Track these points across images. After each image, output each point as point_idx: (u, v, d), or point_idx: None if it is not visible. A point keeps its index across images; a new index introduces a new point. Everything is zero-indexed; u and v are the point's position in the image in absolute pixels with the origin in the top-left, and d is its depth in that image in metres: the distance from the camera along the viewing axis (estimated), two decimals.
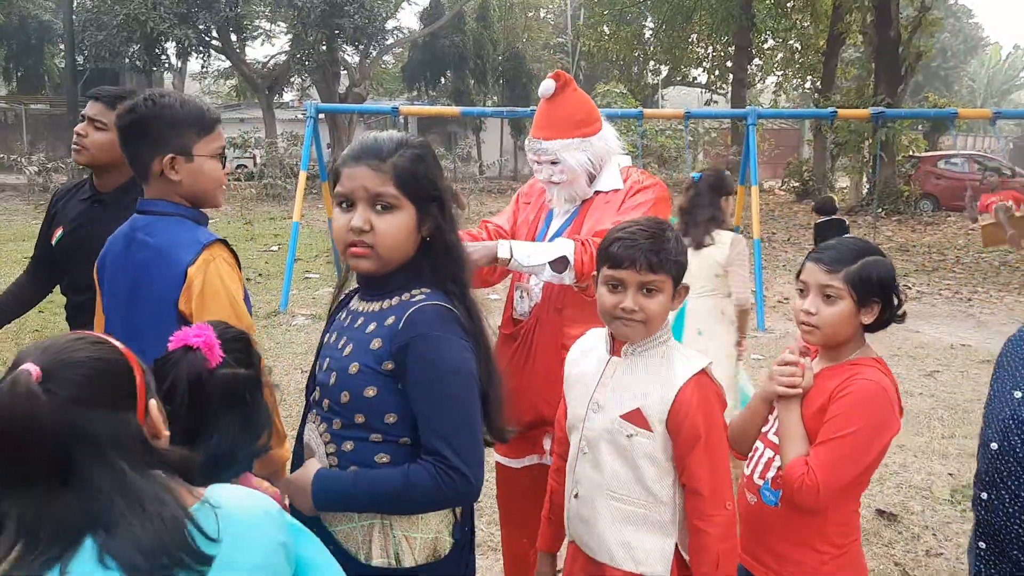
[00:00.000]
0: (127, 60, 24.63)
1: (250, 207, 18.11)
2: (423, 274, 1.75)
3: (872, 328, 1.95)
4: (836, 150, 23.95)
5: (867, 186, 20.65)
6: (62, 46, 28.88)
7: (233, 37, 29.20)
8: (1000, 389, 1.93)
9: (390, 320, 1.68)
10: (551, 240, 2.61)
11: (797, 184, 24.16)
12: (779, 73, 31.20)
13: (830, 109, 8.23)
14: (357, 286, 1.87)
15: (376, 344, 1.67)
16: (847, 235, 2.31)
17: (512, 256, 2.43)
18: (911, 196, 18.60)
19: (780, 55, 30.38)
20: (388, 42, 30.75)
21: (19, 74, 37.82)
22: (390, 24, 30.06)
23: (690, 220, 4.14)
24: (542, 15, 39.42)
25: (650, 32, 32.05)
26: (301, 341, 6.98)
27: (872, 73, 19.93)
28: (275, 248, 12.87)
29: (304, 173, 8.67)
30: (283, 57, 29.10)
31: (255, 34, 36.01)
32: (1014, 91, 50.11)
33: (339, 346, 1.75)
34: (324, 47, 26.33)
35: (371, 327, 1.71)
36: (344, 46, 27.59)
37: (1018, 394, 1.85)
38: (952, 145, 22.22)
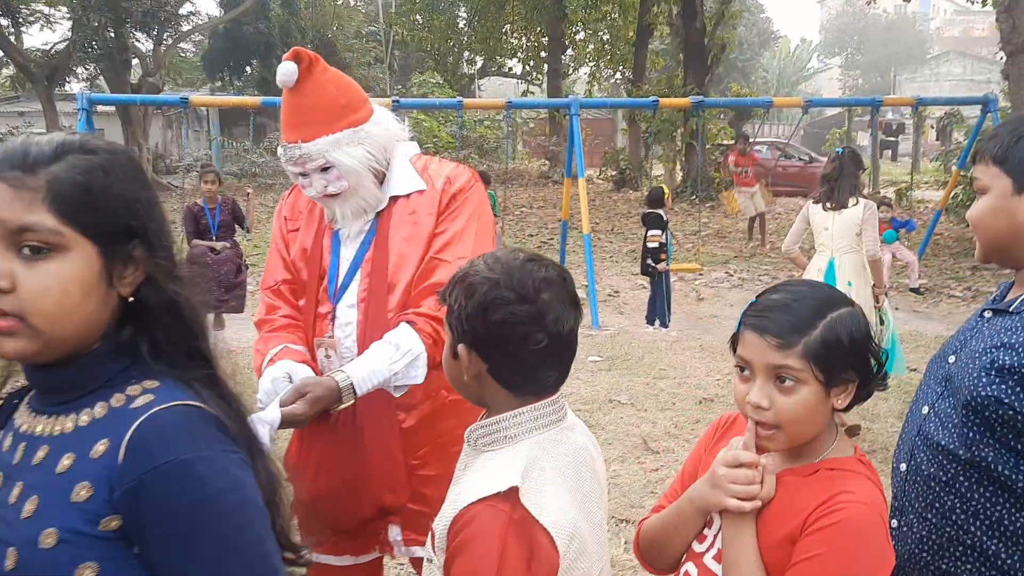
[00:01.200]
0: None
1: None
2: (139, 356, 1.07)
3: (847, 408, 1.37)
4: (651, 139, 24.58)
5: (680, 174, 21.22)
6: None
7: (4, 22, 26.18)
8: (913, 407, 1.69)
9: (100, 446, 1.01)
10: (351, 271, 1.99)
11: (615, 173, 24.52)
12: (591, 64, 31.78)
13: (652, 98, 8.00)
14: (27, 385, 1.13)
15: (83, 492, 0.99)
16: (792, 281, 1.53)
17: (355, 390, 1.83)
18: (722, 182, 19.20)
19: (591, 46, 30.91)
20: (184, 28, 28.60)
21: None
22: (185, 9, 27.96)
23: (836, 186, 4.91)
24: (352, 2, 38.14)
25: (464, 22, 31.69)
26: None
27: (680, 64, 20.47)
28: None
29: None
30: (64, 44, 26.38)
31: (31, 18, 32.66)
32: (802, 81, 53.84)
33: (7, 500, 1.02)
34: (111, 33, 24.01)
35: (65, 462, 1.02)
36: (134, 32, 25.31)
37: (925, 409, 1.61)
38: (757, 133, 23.27)
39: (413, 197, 1.97)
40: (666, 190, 7.32)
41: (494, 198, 8.77)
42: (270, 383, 1.84)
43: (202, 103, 8.27)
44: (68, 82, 28.66)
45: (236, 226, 7.40)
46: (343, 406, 1.82)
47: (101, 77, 27.81)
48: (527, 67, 32.45)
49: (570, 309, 1.32)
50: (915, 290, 8.86)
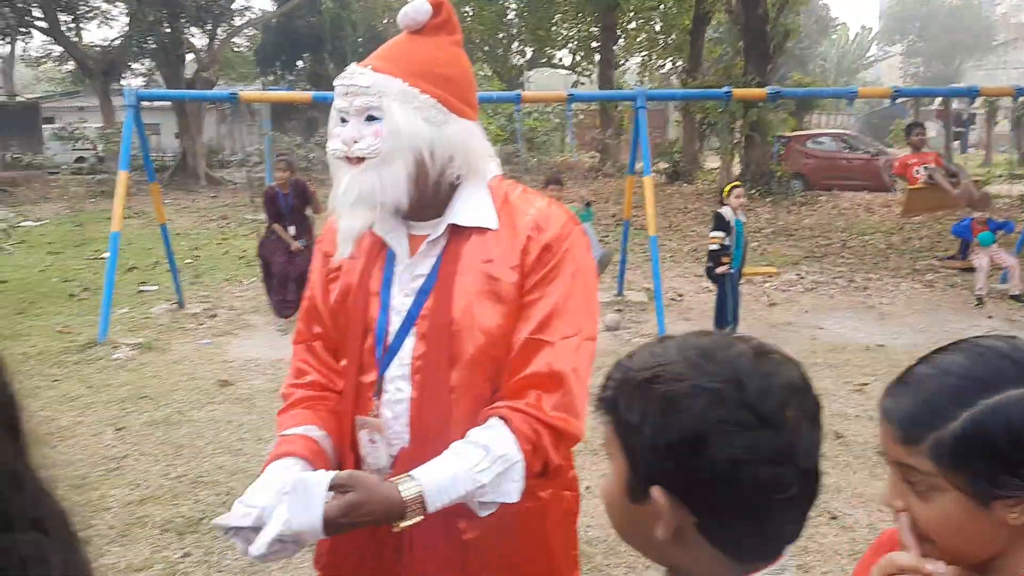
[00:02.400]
0: None
1: (82, 206, 16.13)
2: None
3: None
4: (706, 130, 23.93)
5: (739, 167, 20.57)
6: None
7: (65, 18, 26.52)
8: None
9: None
10: (403, 328, 1.50)
11: (668, 166, 23.93)
12: (643, 54, 31.16)
13: (725, 89, 7.53)
14: None
15: None
16: (958, 344, 0.96)
17: (425, 505, 1.33)
18: (783, 176, 18.55)
19: (643, 36, 30.29)
20: (237, 23, 28.66)
21: None
22: (238, 4, 28.02)
23: None
24: None
25: (514, 13, 31.30)
26: (120, 382, 5.67)
27: (740, 52, 19.80)
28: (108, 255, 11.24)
29: (124, 174, 7.25)
30: (120, 40, 26.63)
31: (89, 15, 33.13)
32: (862, 70, 52.32)
33: None
34: (166, 28, 24.12)
35: None
36: (188, 27, 25.41)
37: None
38: (819, 124, 22.50)
39: (489, 240, 1.48)
40: (728, 188, 6.87)
41: (588, 216, 8.25)
42: (257, 498, 1.36)
43: (252, 99, 8.05)
44: (124, 77, 28.94)
45: (306, 208, 7.66)
46: (406, 524, 1.32)
47: (157, 72, 28.01)
48: (577, 58, 31.94)
49: (817, 428, 0.86)
50: (1016, 297, 8.20)
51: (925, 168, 8.63)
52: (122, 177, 7.23)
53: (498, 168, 1.59)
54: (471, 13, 28.25)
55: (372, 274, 1.55)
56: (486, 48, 33.57)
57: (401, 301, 1.51)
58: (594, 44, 29.67)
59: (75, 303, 8.52)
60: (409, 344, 1.48)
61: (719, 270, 6.81)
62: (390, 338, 1.51)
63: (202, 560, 3.31)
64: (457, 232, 1.50)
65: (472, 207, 1.51)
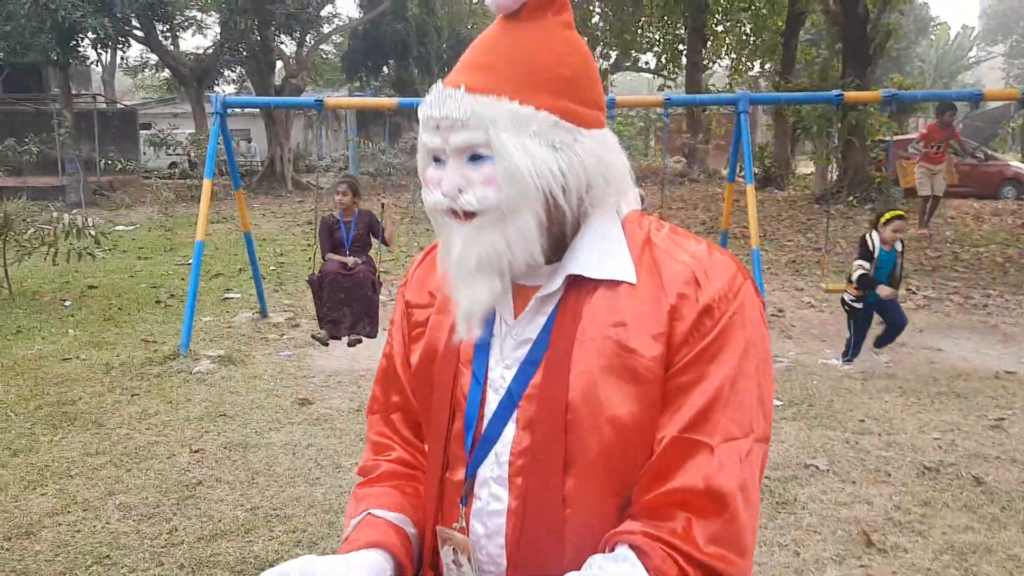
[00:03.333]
0: (41, 54, 22.54)
1: (173, 210, 16.41)
2: None
3: None
4: (799, 135, 23.03)
5: (834, 173, 19.68)
6: None
7: (161, 27, 27.29)
8: None
9: None
10: (500, 413, 1.09)
11: (758, 171, 23.11)
12: (732, 56, 30.34)
13: (835, 92, 6.98)
14: None
15: None
16: None
17: None
18: (883, 183, 17.60)
19: (732, 38, 29.49)
20: (325, 30, 29.07)
21: None
22: (327, 11, 28.40)
23: None
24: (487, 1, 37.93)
25: (598, 16, 30.86)
26: (200, 398, 5.51)
27: (837, 54, 18.94)
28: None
29: (208, 183, 7.15)
30: (213, 48, 27.27)
31: (184, 24, 34.13)
32: (962, 71, 50.00)
33: None
34: (256, 36, 24.53)
35: None
36: (278, 35, 25.82)
37: None
38: (916, 128, 21.38)
39: (621, 296, 1.06)
40: (886, 217, 6.17)
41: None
42: None
43: (336, 105, 7.83)
44: (217, 84, 29.65)
45: (372, 240, 6.74)
46: None
47: (248, 79, 28.59)
48: (663, 61, 31.27)
49: None
50: None
51: (912, 144, 9.74)
52: (207, 186, 7.14)
53: (637, 200, 1.16)
54: None
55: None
56: None
57: (500, 374, 1.11)
58: (680, 47, 29.01)
59: (161, 310, 8.50)
60: (509, 434, 1.09)
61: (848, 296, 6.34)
62: (484, 424, 1.11)
63: None
64: (578, 284, 1.08)
65: (600, 252, 1.08)
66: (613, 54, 33.94)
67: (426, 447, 1.22)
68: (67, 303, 8.77)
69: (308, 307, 8.59)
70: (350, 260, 6.48)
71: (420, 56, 31.34)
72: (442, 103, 1.05)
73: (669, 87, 32.53)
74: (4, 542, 3.52)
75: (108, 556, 3.39)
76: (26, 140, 21.98)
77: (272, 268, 10.96)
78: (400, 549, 1.15)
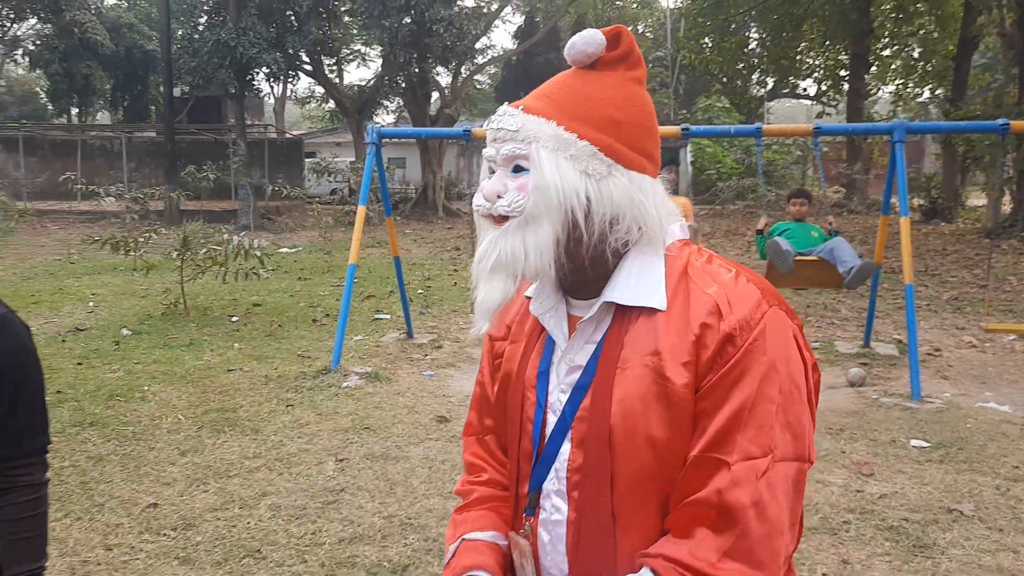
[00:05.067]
0: (221, 87, 24.49)
1: (332, 234, 17.34)
2: None
3: None
4: (970, 165, 21.72)
5: (1010, 205, 18.40)
6: None
7: (328, 61, 29.07)
8: None
9: None
10: (557, 432, 1.21)
11: (923, 203, 21.92)
12: (898, 82, 29.03)
13: (1000, 121, 6.60)
14: None
15: None
16: None
17: None
18: None
19: (898, 63, 28.24)
20: (479, 61, 29.98)
21: (125, 103, 38.94)
22: (481, 43, 29.29)
23: None
24: (640, 29, 38.04)
25: (756, 43, 30.28)
26: (347, 411, 5.83)
27: (1014, 80, 17.79)
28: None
29: (362, 209, 7.57)
30: (373, 80, 28.74)
31: (349, 57, 36.12)
32: None
33: None
34: (415, 68, 25.66)
35: None
36: (435, 66, 26.88)
37: None
38: None
39: (659, 325, 1.14)
40: None
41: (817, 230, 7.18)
42: None
43: (483, 135, 8.07)
44: (376, 114, 31.16)
45: None
46: None
47: (405, 109, 29.90)
48: (823, 87, 30.27)
49: None
50: None
51: None
52: (360, 212, 7.55)
53: (682, 231, 1.24)
54: (710, 44, 27.64)
55: (530, 361, 1.28)
56: (724, 79, 32.77)
57: (557, 398, 1.23)
58: (842, 72, 28.01)
59: (316, 328, 9.02)
60: (565, 452, 1.20)
61: None
62: (544, 442, 1.23)
63: None
64: (622, 314, 1.18)
65: (637, 281, 1.18)
66: (770, 81, 33.23)
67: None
68: (233, 319, 9.46)
69: (451, 330, 8.89)
70: None
71: None
72: (501, 118, 1.20)
73: (829, 115, 31.44)
74: (171, 532, 3.87)
75: (259, 551, 3.67)
76: (204, 167, 23.88)
77: (419, 292, 11.39)
78: (495, 565, 1.27)
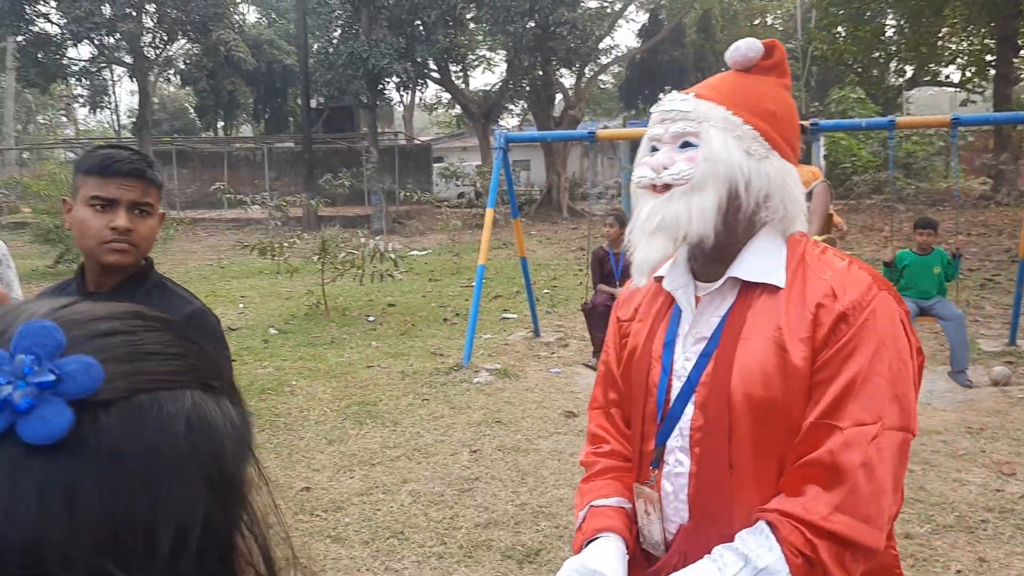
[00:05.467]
0: (354, 97, 25.56)
1: (460, 237, 17.85)
2: None
3: None
4: None
5: None
6: None
7: (455, 68, 29.80)
8: None
9: None
10: (682, 396, 1.37)
11: None
12: None
13: None
14: None
15: None
16: None
17: None
18: None
19: None
20: (603, 61, 30.00)
21: (266, 116, 41.11)
22: (605, 43, 29.29)
23: None
24: (768, 21, 37.06)
25: (892, 30, 28.99)
26: (478, 405, 6.09)
27: None
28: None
29: (490, 211, 7.85)
30: (499, 85, 29.23)
31: (475, 63, 36.85)
32: None
33: None
34: (539, 71, 25.97)
35: None
36: (559, 69, 27.10)
37: None
38: None
39: (779, 303, 1.30)
40: None
41: (954, 268, 6.78)
42: None
43: (607, 136, 8.25)
44: (501, 118, 31.67)
45: None
46: None
47: (529, 112, 30.27)
48: (967, 74, 28.64)
49: None
50: None
51: None
52: (488, 215, 7.83)
53: (804, 223, 1.42)
54: (843, 33, 26.67)
55: (656, 335, 1.45)
56: (859, 69, 31.51)
57: (682, 365, 1.39)
58: (988, 57, 26.44)
59: (447, 327, 9.38)
60: (689, 413, 1.36)
61: None
62: (669, 404, 1.40)
63: None
64: (746, 290, 1.35)
65: (760, 261, 1.34)
66: (908, 69, 31.71)
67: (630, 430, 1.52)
68: (370, 318, 9.95)
69: (577, 329, 9.05)
70: (619, 292, 6.80)
71: (697, 81, 31.15)
72: (673, 100, 1.39)
73: (974, 102, 29.74)
74: (323, 513, 4.21)
75: (402, 532, 3.95)
76: (340, 175, 25.00)
77: (545, 291, 11.62)
78: (622, 527, 1.44)
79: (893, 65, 32.10)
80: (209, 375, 0.54)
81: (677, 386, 1.39)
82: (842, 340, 1.24)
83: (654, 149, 1.39)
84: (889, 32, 29.05)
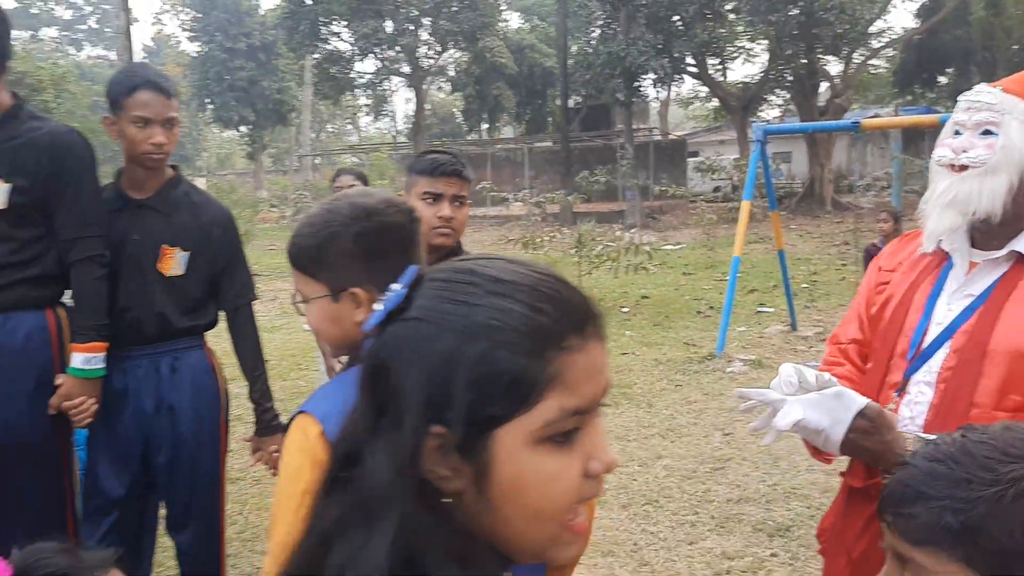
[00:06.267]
0: (611, 95, 26.09)
1: (715, 231, 17.72)
2: None
3: None
4: None
5: None
6: None
7: (713, 61, 29.40)
8: None
9: None
10: (939, 339, 1.57)
11: None
12: None
13: None
14: None
15: None
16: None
17: None
18: None
19: None
20: (875, 46, 28.19)
21: (527, 117, 42.91)
22: (876, 26, 27.50)
23: None
24: None
25: None
26: (731, 393, 6.21)
27: None
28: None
29: (747, 204, 7.88)
30: (759, 76, 28.43)
31: (734, 55, 36.05)
32: None
33: None
34: (803, 60, 24.98)
35: None
36: (824, 56, 25.88)
37: None
38: None
39: None
40: None
41: None
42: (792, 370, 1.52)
43: (873, 126, 7.98)
44: (761, 109, 30.77)
45: None
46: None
47: (792, 103, 29.14)
48: None
49: None
50: None
51: None
52: (744, 207, 7.87)
53: None
54: None
55: (920, 287, 1.64)
56: None
57: (944, 314, 1.58)
58: None
59: (700, 319, 9.50)
60: (942, 354, 1.54)
61: None
62: (923, 345, 1.58)
63: (787, 563, 3.54)
64: (1021, 263, 1.54)
65: None
66: None
67: (869, 365, 1.72)
68: (624, 309, 10.29)
69: (837, 323, 8.82)
70: None
71: (984, 62, 28.55)
72: (980, 92, 1.59)
73: None
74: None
75: (656, 500, 4.24)
76: (595, 172, 25.64)
77: (804, 286, 11.33)
78: (848, 383, 1.62)
79: None
80: None
81: (934, 331, 1.58)
82: None
83: (957, 132, 1.59)
84: None
